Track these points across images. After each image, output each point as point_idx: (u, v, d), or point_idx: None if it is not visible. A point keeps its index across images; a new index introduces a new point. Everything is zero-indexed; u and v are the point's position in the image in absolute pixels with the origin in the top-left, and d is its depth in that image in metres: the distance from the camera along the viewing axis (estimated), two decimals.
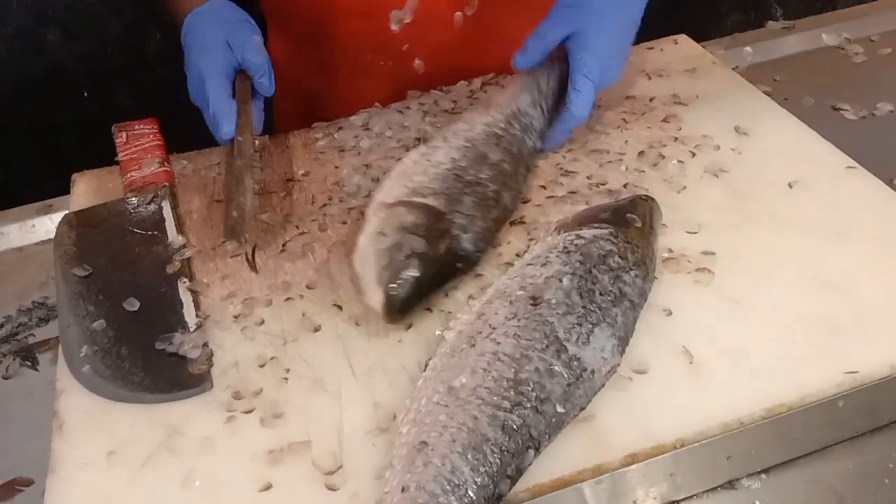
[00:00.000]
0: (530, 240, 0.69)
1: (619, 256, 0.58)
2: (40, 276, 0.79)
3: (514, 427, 0.48)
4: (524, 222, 0.71)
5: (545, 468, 0.51)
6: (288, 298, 0.66)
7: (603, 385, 0.54)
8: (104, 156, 0.83)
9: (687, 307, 0.61)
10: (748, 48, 1.03)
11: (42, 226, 0.85)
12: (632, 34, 0.80)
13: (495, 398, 0.49)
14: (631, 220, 0.61)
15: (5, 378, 0.69)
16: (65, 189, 0.84)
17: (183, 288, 0.67)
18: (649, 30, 0.86)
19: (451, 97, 0.89)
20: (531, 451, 0.49)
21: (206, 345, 0.62)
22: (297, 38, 0.99)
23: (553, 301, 0.54)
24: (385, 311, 0.61)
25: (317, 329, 0.63)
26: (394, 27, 0.88)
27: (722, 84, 0.88)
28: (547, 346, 0.51)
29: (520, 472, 0.48)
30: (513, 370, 0.50)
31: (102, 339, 0.63)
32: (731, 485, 0.55)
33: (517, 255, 0.67)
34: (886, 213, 0.69)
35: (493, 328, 0.53)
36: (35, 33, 1.26)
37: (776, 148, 0.78)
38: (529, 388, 0.49)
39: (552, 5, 0.83)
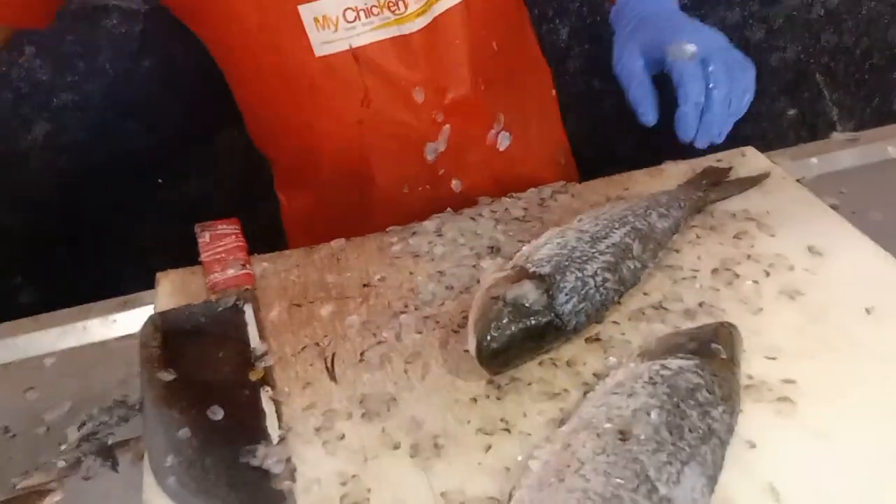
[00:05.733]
0: (606, 358, 0.69)
1: (707, 390, 0.58)
2: (121, 372, 0.81)
3: None
4: (599, 339, 0.72)
5: None
6: (364, 414, 0.67)
7: None
8: (181, 248, 0.87)
9: (770, 439, 0.61)
10: (814, 159, 1.04)
11: (123, 321, 0.88)
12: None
13: None
14: (716, 350, 0.62)
15: (85, 479, 0.70)
16: (144, 283, 0.87)
17: (265, 397, 0.69)
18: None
19: (522, 204, 0.91)
20: None
21: (289, 459, 0.63)
22: (316, 196, 1.02)
23: (642, 437, 0.54)
24: (477, 356, 0.67)
25: (396, 447, 0.64)
26: (429, 157, 0.93)
27: (792, 199, 0.89)
28: (637, 486, 0.51)
29: None
30: None
31: (187, 448, 0.64)
32: None
33: (594, 374, 0.68)
34: None
35: (582, 463, 0.53)
36: (113, 124, 1.32)
37: (851, 270, 0.78)
38: None
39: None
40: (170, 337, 0.76)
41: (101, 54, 1.28)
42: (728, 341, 0.64)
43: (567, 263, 0.71)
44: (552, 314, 0.68)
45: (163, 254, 0.90)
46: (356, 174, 0.98)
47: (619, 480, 0.51)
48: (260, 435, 0.65)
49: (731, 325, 0.66)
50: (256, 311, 0.79)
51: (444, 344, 0.73)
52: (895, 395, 0.64)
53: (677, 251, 0.82)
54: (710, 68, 0.74)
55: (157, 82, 1.29)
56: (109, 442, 0.74)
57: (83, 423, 0.75)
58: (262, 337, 0.75)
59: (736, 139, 1.05)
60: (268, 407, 0.68)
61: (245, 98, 0.98)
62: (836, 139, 1.07)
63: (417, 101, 0.91)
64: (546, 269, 0.71)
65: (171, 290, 0.83)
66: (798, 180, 0.95)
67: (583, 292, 0.70)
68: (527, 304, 0.68)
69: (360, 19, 0.87)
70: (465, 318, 0.75)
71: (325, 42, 0.88)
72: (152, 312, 0.80)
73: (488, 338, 0.66)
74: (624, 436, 0.54)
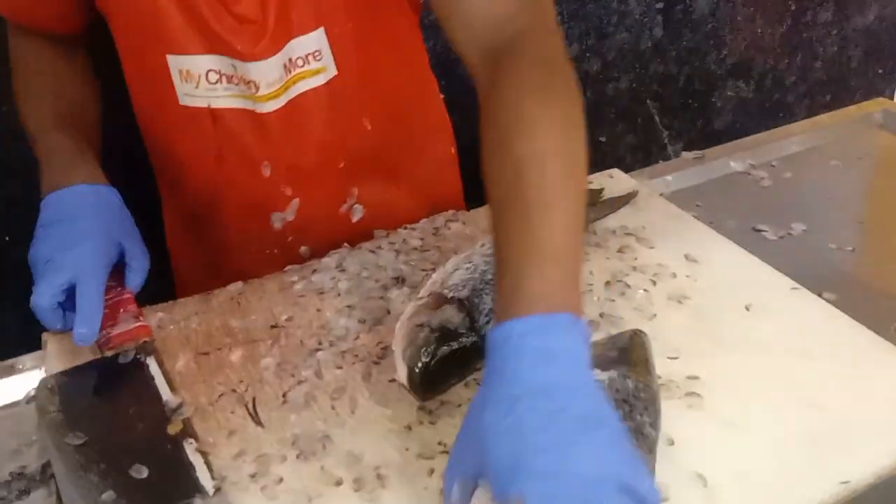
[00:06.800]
0: None
1: (634, 396, 0.62)
2: (11, 443, 0.75)
3: None
4: None
5: None
6: (300, 455, 0.66)
7: None
8: None
9: (687, 432, 0.66)
10: (669, 177, 1.13)
11: (6, 388, 0.81)
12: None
13: None
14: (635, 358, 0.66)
15: None
16: (25, 346, 0.81)
17: (191, 449, 0.66)
18: None
19: (417, 234, 0.93)
20: None
21: None
22: (190, 215, 1.01)
23: None
24: (409, 385, 0.68)
25: (339, 483, 0.63)
26: (276, 225, 0.93)
27: (661, 214, 0.97)
28: None
29: None
30: None
31: None
32: None
33: None
34: (835, 329, 0.77)
35: None
36: None
37: (725, 273, 0.86)
38: None
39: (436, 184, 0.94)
40: (69, 399, 0.71)
41: None
42: (642, 347, 0.68)
43: (482, 286, 0.74)
44: (475, 335, 0.70)
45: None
46: (213, 223, 0.97)
47: None
48: (193, 488, 0.62)
49: (641, 332, 0.71)
50: (160, 364, 0.76)
51: (367, 376, 0.74)
52: (784, 381, 0.71)
53: None
54: None
55: None
56: None
57: None
58: (172, 389, 0.72)
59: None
60: (195, 459, 0.65)
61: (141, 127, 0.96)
62: (685, 157, 1.18)
63: (265, 174, 0.90)
64: (464, 293, 0.73)
65: (61, 350, 0.78)
66: (661, 195, 1.03)
67: None
68: (452, 328, 0.70)
69: (221, 83, 0.86)
70: (384, 349, 0.76)
71: (187, 94, 0.87)
72: (43, 376, 0.75)
73: (419, 364, 0.67)
74: None
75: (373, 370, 0.74)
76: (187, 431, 0.68)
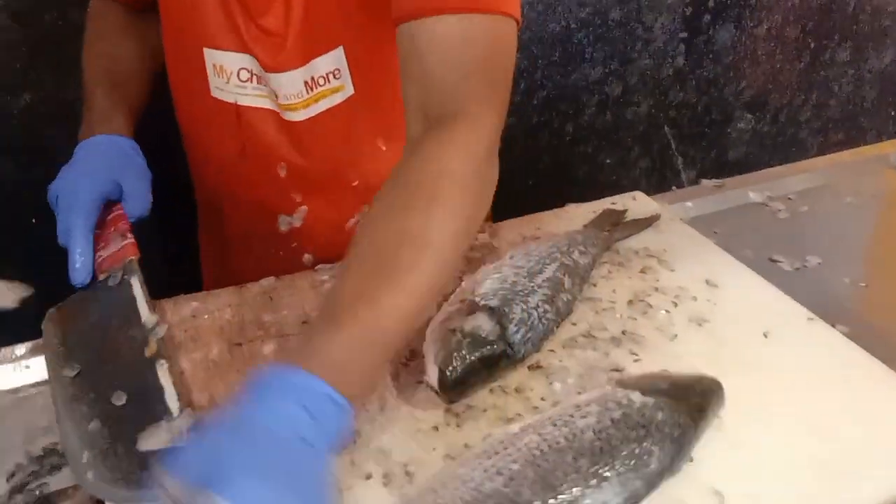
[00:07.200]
0: (550, 384, 0.75)
1: (657, 428, 0.64)
2: (42, 420, 0.77)
3: None
4: (541, 366, 0.77)
5: None
6: None
7: None
8: None
9: (705, 450, 0.68)
10: (689, 203, 1.16)
11: (37, 366, 0.83)
12: None
13: None
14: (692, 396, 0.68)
15: None
16: None
17: (163, 371, 0.68)
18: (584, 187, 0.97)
19: None
20: None
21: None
22: (208, 204, 1.05)
23: (575, 444, 0.62)
24: (440, 387, 0.70)
25: (368, 476, 0.65)
26: (283, 228, 0.96)
27: (682, 238, 1.00)
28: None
29: None
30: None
31: (99, 440, 0.63)
32: None
33: (542, 398, 0.73)
34: (850, 361, 0.80)
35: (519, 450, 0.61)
36: None
37: (744, 300, 0.88)
38: None
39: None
40: (69, 330, 0.74)
41: None
42: (708, 392, 0.70)
43: (512, 297, 0.77)
44: (505, 344, 0.73)
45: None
46: (225, 217, 1.01)
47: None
48: (162, 411, 0.64)
49: (717, 384, 0.72)
50: (142, 283, 0.77)
51: (396, 376, 0.76)
52: (800, 407, 0.74)
53: (594, 285, 0.89)
54: None
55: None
56: (44, 492, 0.70)
57: (12, 475, 0.71)
58: (152, 310, 0.74)
59: (595, 184, 1.15)
60: (165, 381, 0.67)
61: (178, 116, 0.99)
62: (704, 185, 1.20)
63: (280, 174, 0.93)
64: (494, 302, 0.75)
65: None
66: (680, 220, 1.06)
67: (528, 323, 0.76)
68: (482, 335, 0.72)
69: (251, 83, 0.89)
70: (412, 352, 0.78)
71: (218, 88, 0.90)
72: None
73: (451, 368, 0.69)
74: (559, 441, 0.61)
75: (401, 371, 0.76)
76: (161, 353, 0.69)
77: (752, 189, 1.19)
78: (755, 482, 0.66)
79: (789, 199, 1.19)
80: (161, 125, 0.96)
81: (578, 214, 1.03)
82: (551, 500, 0.58)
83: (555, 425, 0.64)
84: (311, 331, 0.62)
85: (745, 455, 0.68)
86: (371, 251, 0.63)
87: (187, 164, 1.03)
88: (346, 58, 0.86)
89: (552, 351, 0.79)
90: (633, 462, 0.62)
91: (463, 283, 0.81)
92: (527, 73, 1.59)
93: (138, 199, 0.84)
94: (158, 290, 0.83)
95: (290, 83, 0.86)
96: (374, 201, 0.67)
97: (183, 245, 1.10)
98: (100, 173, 0.82)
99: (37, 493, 0.70)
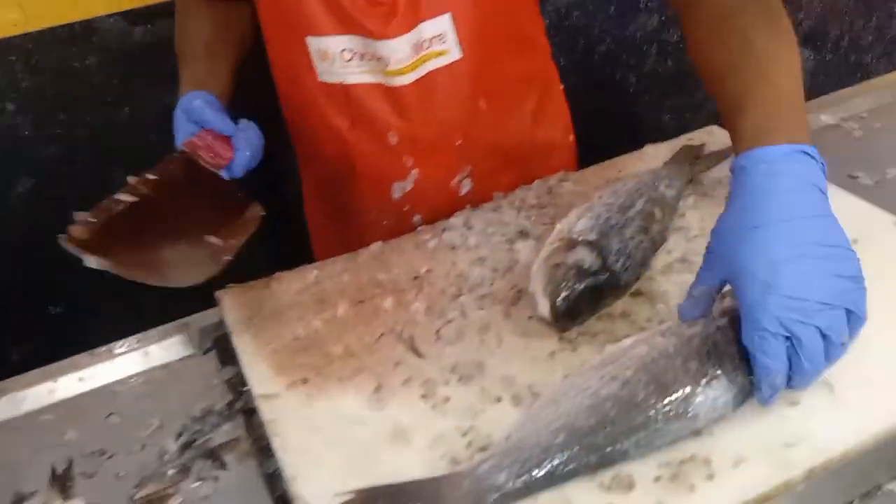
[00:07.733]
0: (655, 306, 0.80)
1: (727, 354, 0.67)
2: (196, 386, 0.85)
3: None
4: (643, 293, 0.82)
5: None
6: (460, 378, 0.75)
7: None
8: None
9: None
10: None
11: (181, 344, 0.91)
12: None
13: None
14: None
15: (202, 479, 0.75)
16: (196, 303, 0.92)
17: None
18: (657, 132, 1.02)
19: (534, 194, 1.01)
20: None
21: None
22: (324, 182, 1.12)
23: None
24: (552, 317, 0.76)
25: (499, 399, 0.72)
26: (396, 195, 1.02)
27: None
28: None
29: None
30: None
31: None
32: None
33: (647, 320, 0.79)
34: None
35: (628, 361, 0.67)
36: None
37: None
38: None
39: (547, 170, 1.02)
40: None
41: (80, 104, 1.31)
42: None
43: (607, 230, 0.82)
44: (608, 272, 0.78)
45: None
46: (342, 192, 1.08)
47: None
48: None
49: None
50: None
51: (507, 315, 0.82)
52: None
53: (682, 215, 0.94)
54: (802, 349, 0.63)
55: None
56: (211, 446, 0.78)
57: (180, 434, 0.80)
58: None
59: (667, 130, 1.17)
60: None
61: (283, 102, 1.06)
62: None
63: (391, 142, 1.00)
64: (592, 236, 0.81)
65: (234, 305, 0.89)
66: None
67: (626, 252, 0.81)
68: (585, 266, 0.78)
69: (354, 60, 0.96)
70: (518, 292, 0.84)
71: (325, 71, 0.98)
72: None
73: (561, 297, 0.75)
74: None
75: (511, 310, 0.83)
76: None
77: (823, 113, 1.21)
78: (864, 370, 0.70)
79: (861, 117, 1.21)
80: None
81: (658, 154, 1.07)
82: (665, 399, 0.64)
83: (663, 336, 0.69)
84: (749, 122, 0.70)
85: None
86: (742, 48, 0.75)
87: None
88: (454, 23, 0.94)
89: (651, 278, 0.84)
90: (739, 360, 0.67)
91: (558, 226, 0.87)
92: (585, 30, 1.62)
93: (244, 145, 0.88)
94: (265, 267, 0.92)
95: (399, 47, 0.93)
96: (704, 29, 0.79)
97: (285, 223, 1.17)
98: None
99: (203, 447, 0.78)
